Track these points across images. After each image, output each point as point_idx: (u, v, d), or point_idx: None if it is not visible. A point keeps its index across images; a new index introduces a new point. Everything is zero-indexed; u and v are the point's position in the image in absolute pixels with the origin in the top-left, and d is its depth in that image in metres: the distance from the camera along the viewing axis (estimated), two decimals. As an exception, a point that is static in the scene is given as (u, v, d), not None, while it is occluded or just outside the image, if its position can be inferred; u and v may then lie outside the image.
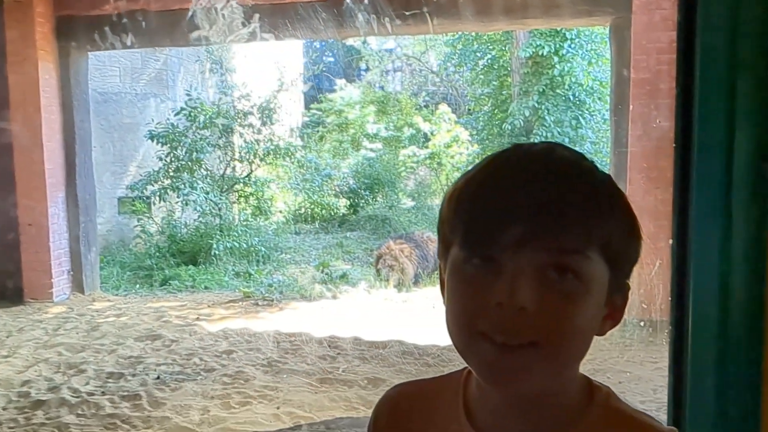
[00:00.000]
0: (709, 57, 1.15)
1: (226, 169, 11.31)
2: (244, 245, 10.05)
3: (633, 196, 5.59)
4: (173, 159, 10.36)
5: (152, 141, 10.22)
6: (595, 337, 0.74)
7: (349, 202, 14.13)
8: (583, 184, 0.70)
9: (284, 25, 7.06)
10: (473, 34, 12.89)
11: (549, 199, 0.67)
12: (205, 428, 4.15)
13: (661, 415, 1.15)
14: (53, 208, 7.59)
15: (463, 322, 0.71)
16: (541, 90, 11.61)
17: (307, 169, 13.59)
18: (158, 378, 5.10)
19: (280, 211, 13.62)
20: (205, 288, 8.80)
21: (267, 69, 11.99)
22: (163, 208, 10.45)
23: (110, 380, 5.07)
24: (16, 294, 7.49)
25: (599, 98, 11.73)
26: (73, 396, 4.69)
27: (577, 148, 0.84)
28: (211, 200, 10.12)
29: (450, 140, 13.71)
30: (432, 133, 14.16)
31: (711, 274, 1.17)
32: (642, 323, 5.79)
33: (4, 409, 4.49)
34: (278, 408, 4.47)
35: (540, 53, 11.31)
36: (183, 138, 10.36)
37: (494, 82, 13.61)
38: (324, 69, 18.88)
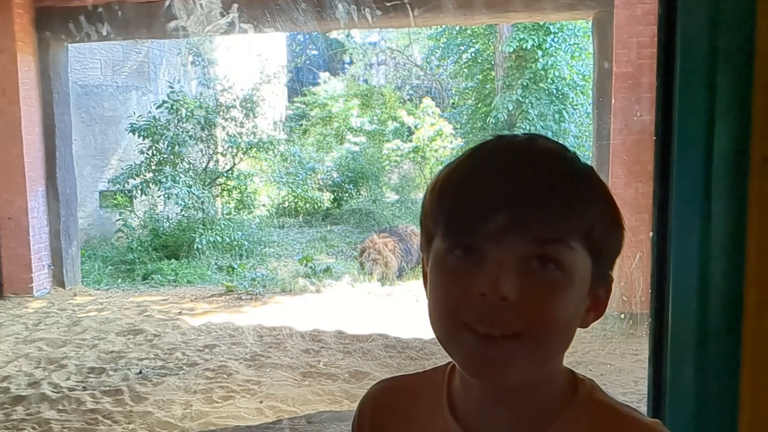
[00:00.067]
0: (689, 49, 1.16)
1: (208, 163, 11.24)
2: (227, 239, 10.02)
3: (614, 188, 5.60)
4: (155, 152, 10.28)
5: (134, 134, 10.12)
6: (577, 330, 0.73)
7: (332, 196, 14.11)
8: (565, 174, 0.70)
9: (263, 16, 7.00)
10: (457, 27, 12.89)
11: (531, 188, 0.67)
12: (188, 423, 4.14)
13: (642, 406, 1.16)
14: (33, 202, 7.50)
15: (446, 312, 0.70)
16: (524, 84, 11.65)
17: (290, 162, 13.56)
18: (140, 373, 5.07)
19: (264, 205, 13.59)
20: (188, 282, 8.75)
21: (250, 61, 11.92)
22: (145, 201, 10.36)
23: (91, 375, 5.03)
24: (-4, 289, 7.40)
25: (582, 92, 11.80)
26: (53, 391, 4.64)
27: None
28: (193, 194, 10.05)
29: (434, 134, 13.73)
30: (416, 127, 14.17)
31: (691, 266, 1.17)
32: (623, 316, 5.85)
33: (-17, 405, 4.44)
34: (261, 402, 4.46)
35: (523, 47, 11.35)
36: (165, 131, 10.28)
37: (478, 76, 13.63)
38: (308, 62, 18.82)
